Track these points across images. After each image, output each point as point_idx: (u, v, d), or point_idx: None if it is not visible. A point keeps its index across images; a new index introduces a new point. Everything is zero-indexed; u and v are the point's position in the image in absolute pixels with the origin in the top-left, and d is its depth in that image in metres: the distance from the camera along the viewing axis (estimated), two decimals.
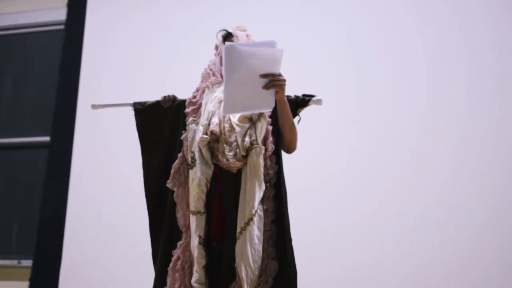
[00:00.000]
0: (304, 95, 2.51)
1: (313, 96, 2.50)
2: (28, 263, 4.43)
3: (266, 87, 2.26)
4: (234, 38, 2.54)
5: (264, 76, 2.24)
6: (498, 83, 3.84)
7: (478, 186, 3.69)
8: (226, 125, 2.40)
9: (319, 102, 2.48)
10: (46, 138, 4.71)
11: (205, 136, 2.41)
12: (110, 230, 4.15)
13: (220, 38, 2.61)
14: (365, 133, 3.91)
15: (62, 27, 4.89)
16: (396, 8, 4.12)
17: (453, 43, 3.96)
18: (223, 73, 2.29)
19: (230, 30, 2.59)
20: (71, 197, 4.34)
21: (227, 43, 2.24)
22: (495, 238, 3.60)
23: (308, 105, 2.50)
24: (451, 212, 3.67)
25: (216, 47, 2.63)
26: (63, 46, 4.78)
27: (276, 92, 2.30)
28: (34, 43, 5.11)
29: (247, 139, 2.37)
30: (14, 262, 4.53)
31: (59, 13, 4.91)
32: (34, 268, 4.35)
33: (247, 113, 2.39)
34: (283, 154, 2.51)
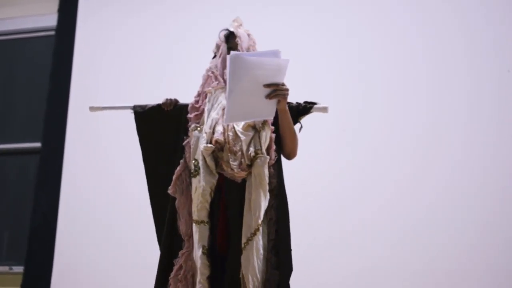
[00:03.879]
0: (306, 102, 2.46)
1: (315, 103, 2.44)
2: (19, 269, 4.41)
3: (269, 96, 2.23)
4: (237, 38, 2.47)
5: (267, 85, 2.21)
6: (498, 84, 3.83)
7: (478, 192, 3.68)
8: (230, 134, 2.35)
9: (324, 110, 2.41)
10: (37, 144, 4.69)
11: (209, 145, 2.35)
12: (102, 237, 4.15)
13: (222, 37, 2.52)
14: (365, 138, 3.89)
15: (53, 33, 4.87)
16: (396, 8, 4.10)
17: (453, 43, 3.95)
18: (226, 80, 2.24)
19: (231, 29, 2.51)
20: (62, 203, 4.32)
21: (232, 52, 2.19)
22: (495, 244, 3.59)
23: (311, 112, 2.46)
24: (451, 218, 3.66)
25: (217, 47, 2.54)
26: (54, 52, 4.76)
27: (278, 102, 2.27)
28: (25, 49, 5.10)
29: (251, 148, 2.33)
30: (5, 268, 4.51)
31: (50, 19, 4.91)
32: (25, 274, 4.33)
33: (248, 121, 2.36)
34: (283, 160, 2.47)
